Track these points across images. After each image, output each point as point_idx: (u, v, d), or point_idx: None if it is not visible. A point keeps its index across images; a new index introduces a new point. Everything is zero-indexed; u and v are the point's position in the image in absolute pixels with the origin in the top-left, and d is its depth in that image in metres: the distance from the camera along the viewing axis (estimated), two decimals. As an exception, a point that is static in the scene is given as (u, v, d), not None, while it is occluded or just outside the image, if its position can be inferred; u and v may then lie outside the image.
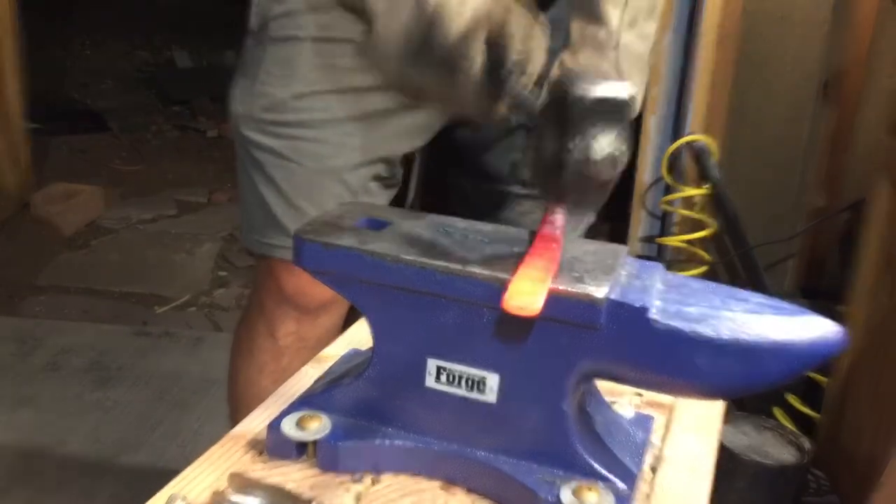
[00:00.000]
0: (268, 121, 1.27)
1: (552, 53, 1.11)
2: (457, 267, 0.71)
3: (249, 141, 1.29)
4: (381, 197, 1.33)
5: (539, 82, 0.81)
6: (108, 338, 2.85)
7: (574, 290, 0.67)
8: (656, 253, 2.90)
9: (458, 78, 0.77)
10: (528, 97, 0.79)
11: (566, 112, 0.72)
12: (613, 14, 1.03)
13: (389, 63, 0.80)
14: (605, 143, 0.72)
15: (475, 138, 1.40)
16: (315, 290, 1.31)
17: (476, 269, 0.71)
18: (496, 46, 0.77)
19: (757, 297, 0.68)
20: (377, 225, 0.80)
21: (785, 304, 0.67)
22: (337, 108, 1.25)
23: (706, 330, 0.66)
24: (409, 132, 1.30)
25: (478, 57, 0.76)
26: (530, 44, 0.82)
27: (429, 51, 0.77)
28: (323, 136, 1.26)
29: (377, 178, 1.31)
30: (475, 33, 0.76)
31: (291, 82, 1.25)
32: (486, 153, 1.40)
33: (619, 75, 1.04)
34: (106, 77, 6.01)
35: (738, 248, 2.60)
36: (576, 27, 1.06)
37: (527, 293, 0.67)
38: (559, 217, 0.79)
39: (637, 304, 0.67)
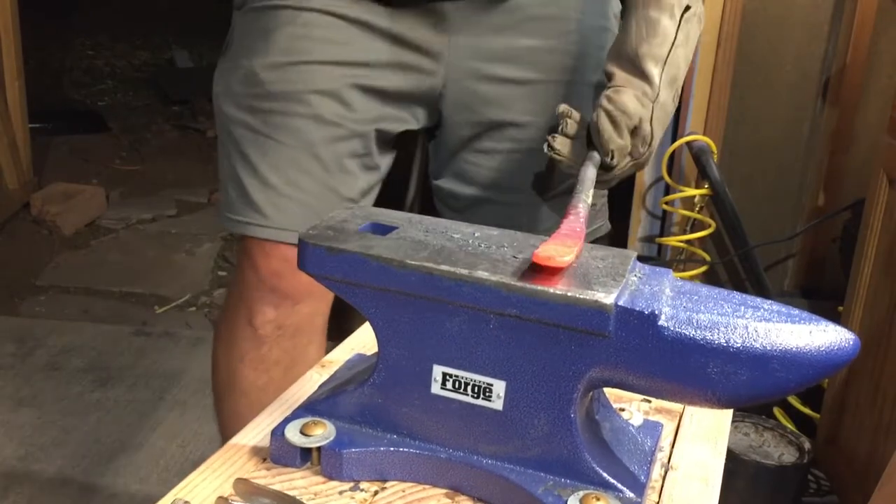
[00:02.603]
0: (243, 93, 1.24)
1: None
2: (463, 272, 0.71)
3: (227, 116, 1.27)
4: (360, 178, 1.29)
5: None
6: (108, 338, 2.85)
7: (582, 296, 0.67)
8: (656, 253, 2.90)
9: None
10: None
11: None
12: (655, 72, 1.05)
13: None
14: None
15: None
16: (294, 275, 1.28)
17: (483, 275, 0.70)
18: None
19: (769, 304, 0.68)
20: (382, 229, 0.79)
21: (797, 312, 0.67)
22: (311, 81, 1.22)
23: (717, 338, 0.65)
24: (384, 114, 1.27)
25: None
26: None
27: None
28: (295, 108, 1.23)
29: (354, 155, 1.27)
30: None
31: (267, 53, 1.23)
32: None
33: (651, 130, 1.07)
34: (106, 77, 6.01)
35: (738, 248, 2.60)
36: (622, 76, 1.07)
37: (557, 248, 0.69)
38: (582, 209, 0.83)
39: (647, 311, 0.66)
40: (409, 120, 1.31)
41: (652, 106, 1.06)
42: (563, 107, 1.11)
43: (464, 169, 1.34)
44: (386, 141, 1.31)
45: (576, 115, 1.10)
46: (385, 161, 1.34)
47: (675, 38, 1.06)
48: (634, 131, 1.06)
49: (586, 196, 0.89)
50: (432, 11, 1.22)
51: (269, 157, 1.25)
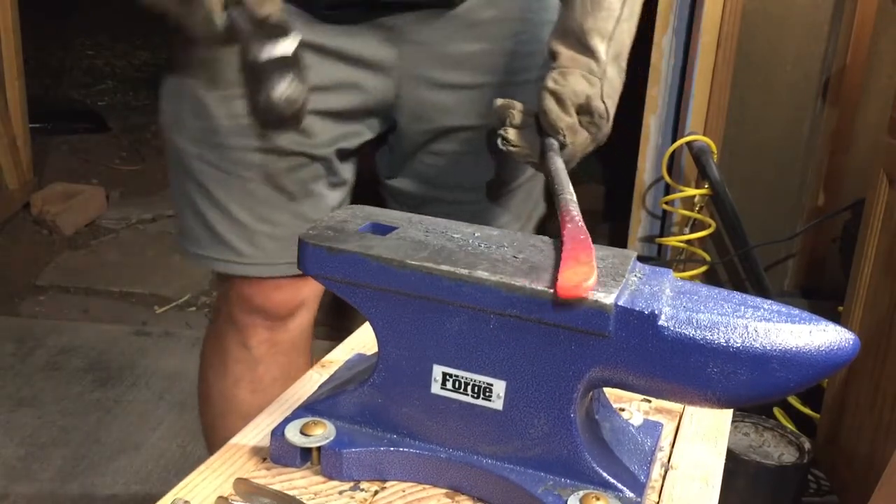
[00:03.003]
0: (196, 127, 1.21)
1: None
2: (464, 272, 0.71)
3: (181, 150, 1.23)
4: (327, 197, 1.27)
5: (267, 25, 0.99)
6: (108, 338, 2.85)
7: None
8: (656, 253, 2.90)
9: (194, 8, 0.96)
10: (246, 33, 0.99)
11: (251, 71, 0.97)
12: (601, 48, 1.04)
13: None
14: (279, 90, 0.96)
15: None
16: (282, 296, 1.28)
17: (483, 275, 0.70)
18: None
19: (769, 304, 0.68)
20: (382, 229, 0.79)
21: (797, 312, 0.67)
22: None
23: (717, 338, 0.65)
24: (342, 133, 1.25)
25: None
26: None
27: None
28: (252, 143, 1.20)
29: (317, 177, 1.25)
30: None
31: (216, 85, 1.19)
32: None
33: (605, 107, 1.05)
34: (106, 77, 6.01)
35: (738, 248, 2.60)
36: (566, 54, 1.06)
37: (579, 272, 0.68)
38: (574, 210, 0.82)
39: (647, 311, 0.66)
40: (366, 132, 1.29)
41: (600, 83, 1.05)
42: (500, 101, 1.11)
43: (419, 170, 1.33)
44: (347, 155, 1.29)
45: (518, 105, 1.09)
46: (350, 172, 1.31)
47: (621, 13, 1.05)
48: (584, 109, 1.05)
49: (570, 194, 0.88)
50: (380, 26, 1.20)
51: (233, 193, 1.22)
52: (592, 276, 0.68)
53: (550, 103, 1.05)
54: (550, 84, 1.05)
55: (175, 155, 1.25)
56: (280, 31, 0.98)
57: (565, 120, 1.05)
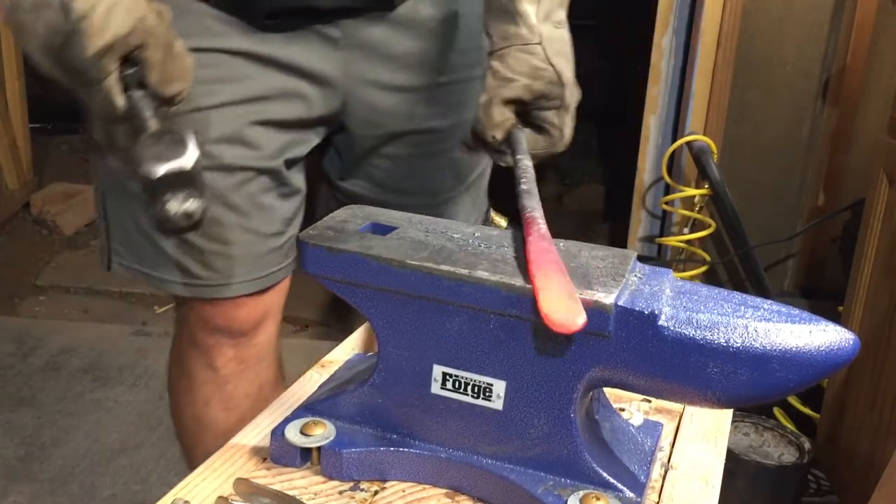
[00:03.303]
0: None
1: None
2: (464, 272, 0.71)
3: (120, 171, 1.15)
4: (279, 208, 1.23)
5: (176, 102, 0.92)
6: (108, 338, 2.85)
7: (583, 296, 0.67)
8: (656, 253, 2.90)
9: (92, 89, 0.86)
10: (148, 122, 0.90)
11: (144, 184, 0.89)
12: (530, 10, 1.02)
13: (34, 55, 0.86)
14: (175, 206, 0.89)
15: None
16: (244, 312, 1.24)
17: (483, 275, 0.70)
18: (132, 67, 0.88)
19: (769, 304, 0.68)
20: (382, 229, 0.80)
21: (797, 312, 0.67)
22: (207, 129, 1.13)
23: (717, 338, 0.65)
24: (288, 142, 1.21)
25: (110, 75, 0.85)
26: (169, 66, 0.90)
27: (66, 59, 0.84)
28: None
29: (267, 190, 1.20)
30: (111, 53, 0.84)
31: None
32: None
33: (553, 69, 1.02)
34: (105, 76, 6.01)
35: (738, 248, 2.60)
36: (497, 31, 1.04)
37: (566, 309, 0.66)
38: (538, 215, 0.80)
39: (647, 311, 0.67)
40: (313, 139, 1.25)
41: (540, 47, 1.02)
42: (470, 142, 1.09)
43: (371, 173, 1.31)
44: (296, 162, 1.25)
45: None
46: (301, 180, 1.27)
47: None
48: (534, 91, 1.02)
49: (536, 204, 0.84)
50: (320, 33, 1.16)
51: None
52: (580, 314, 0.66)
53: (479, 111, 1.04)
54: (488, 80, 1.03)
55: (113, 176, 1.19)
56: (179, 144, 0.91)
57: (486, 127, 1.03)
